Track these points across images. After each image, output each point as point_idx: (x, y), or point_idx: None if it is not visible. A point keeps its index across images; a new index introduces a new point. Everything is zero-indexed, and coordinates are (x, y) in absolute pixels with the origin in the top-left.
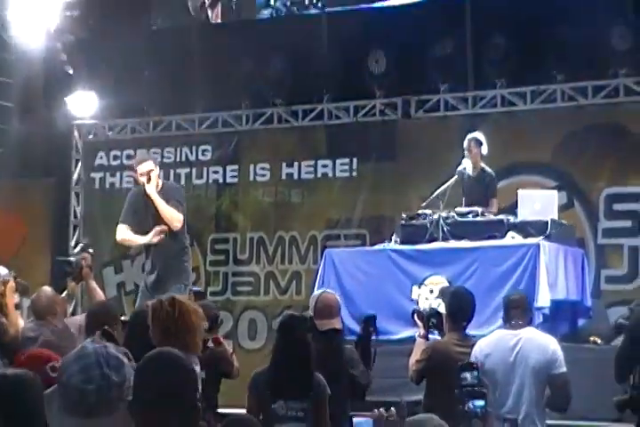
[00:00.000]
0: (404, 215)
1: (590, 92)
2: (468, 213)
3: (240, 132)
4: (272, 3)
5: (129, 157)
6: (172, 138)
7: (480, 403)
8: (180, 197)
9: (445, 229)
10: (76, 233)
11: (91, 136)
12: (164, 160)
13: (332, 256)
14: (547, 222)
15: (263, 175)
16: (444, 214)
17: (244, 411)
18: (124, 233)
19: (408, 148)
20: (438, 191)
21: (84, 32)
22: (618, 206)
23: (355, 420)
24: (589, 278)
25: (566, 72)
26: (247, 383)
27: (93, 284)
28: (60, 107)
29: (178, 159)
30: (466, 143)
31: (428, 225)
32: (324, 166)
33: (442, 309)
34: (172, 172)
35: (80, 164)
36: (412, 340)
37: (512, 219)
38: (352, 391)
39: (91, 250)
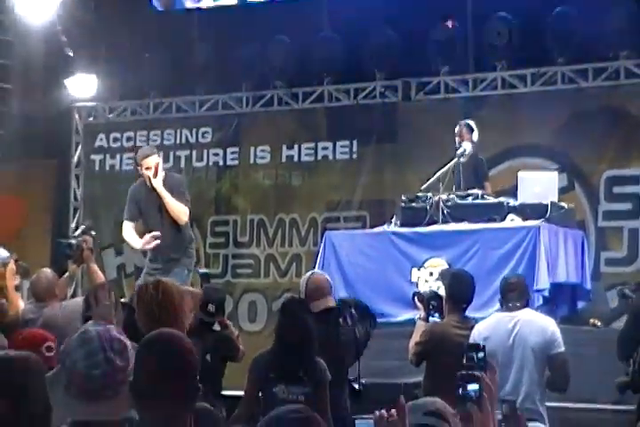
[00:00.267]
0: (404, 198)
1: (591, 74)
2: (468, 195)
3: (240, 115)
4: None
5: (129, 139)
6: (173, 120)
7: (474, 387)
8: (183, 188)
9: (445, 211)
10: (77, 215)
11: (91, 118)
12: (164, 142)
13: (332, 239)
14: (547, 205)
15: (263, 158)
16: (444, 197)
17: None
18: (127, 233)
19: (408, 130)
20: (438, 174)
21: (85, 14)
22: (618, 189)
23: (357, 422)
24: (589, 261)
25: (567, 54)
26: (247, 366)
27: (94, 266)
28: (60, 89)
29: (178, 141)
30: (457, 128)
31: (428, 207)
32: (325, 149)
33: (442, 291)
34: (171, 154)
35: (80, 146)
36: (411, 322)
37: (512, 201)
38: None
39: (93, 232)
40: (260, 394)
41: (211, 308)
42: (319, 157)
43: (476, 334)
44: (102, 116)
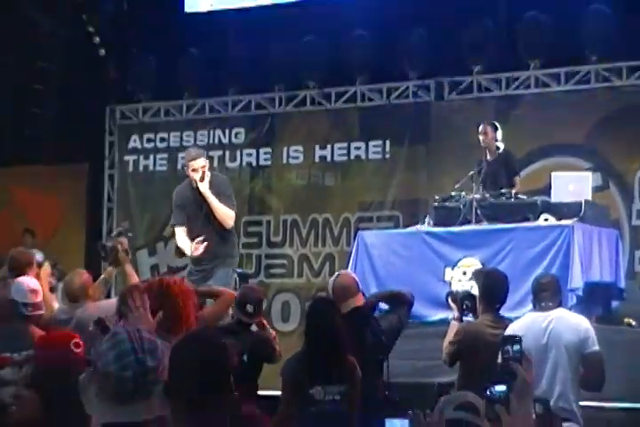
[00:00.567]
0: (437, 197)
1: (625, 72)
2: (501, 195)
3: (273, 115)
4: None
5: (162, 139)
6: (206, 120)
7: (502, 388)
8: (229, 192)
9: (479, 211)
10: (111, 216)
11: (124, 119)
12: (198, 143)
13: (365, 239)
14: (580, 204)
15: (296, 158)
16: (477, 196)
17: (277, 393)
18: (180, 239)
19: (441, 130)
20: (472, 173)
21: (118, 14)
22: None
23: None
24: (623, 260)
25: (600, 53)
26: (279, 367)
27: (129, 268)
28: (93, 90)
29: (211, 142)
30: (482, 127)
31: (462, 207)
32: (357, 149)
33: (475, 291)
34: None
35: (114, 147)
36: (445, 322)
37: (546, 201)
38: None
39: (130, 234)
40: (297, 396)
41: (249, 308)
42: (352, 157)
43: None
44: (136, 116)
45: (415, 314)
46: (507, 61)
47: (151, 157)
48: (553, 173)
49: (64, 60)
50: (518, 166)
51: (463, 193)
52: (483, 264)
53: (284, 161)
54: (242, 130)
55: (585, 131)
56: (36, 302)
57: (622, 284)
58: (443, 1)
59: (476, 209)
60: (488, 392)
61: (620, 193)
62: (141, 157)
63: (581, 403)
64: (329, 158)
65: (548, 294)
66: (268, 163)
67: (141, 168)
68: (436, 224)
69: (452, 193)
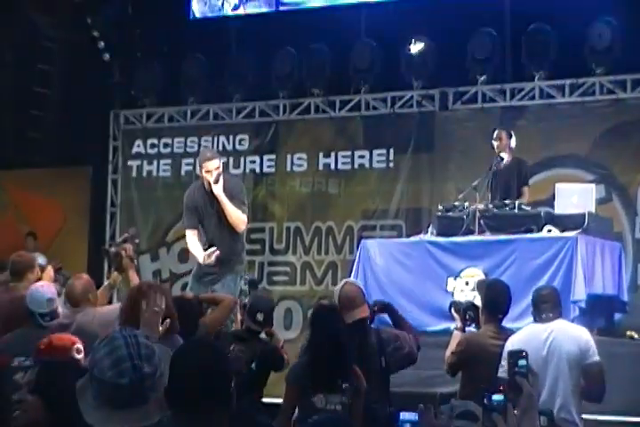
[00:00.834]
0: (440, 207)
1: (629, 85)
2: (505, 205)
3: (277, 122)
4: None
5: (166, 145)
6: (210, 127)
7: (499, 398)
8: (243, 196)
9: (482, 221)
10: (114, 221)
11: (128, 124)
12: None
13: (368, 247)
14: (584, 216)
15: (300, 165)
16: (480, 207)
17: (279, 400)
18: (191, 244)
19: (445, 139)
20: (475, 183)
21: (123, 20)
22: None
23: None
24: (626, 272)
25: (605, 65)
26: (283, 374)
27: (132, 275)
28: (97, 94)
29: (215, 148)
30: (496, 133)
31: (465, 217)
32: (361, 157)
33: (478, 301)
34: None
35: (117, 152)
36: (447, 332)
37: (549, 212)
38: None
39: (137, 240)
40: (298, 403)
41: (259, 317)
42: (356, 166)
43: (510, 347)
44: (140, 122)
45: (417, 324)
46: (511, 72)
47: (155, 162)
48: (557, 185)
49: (70, 64)
50: (529, 176)
51: (467, 203)
52: (485, 275)
53: (288, 168)
54: (246, 137)
55: (589, 143)
56: (53, 309)
57: (625, 296)
58: (448, 11)
59: (479, 219)
60: (486, 401)
61: (623, 206)
62: (145, 163)
63: (583, 416)
64: (333, 166)
65: (548, 305)
66: (272, 170)
67: (145, 173)
68: (439, 234)
69: (456, 203)
